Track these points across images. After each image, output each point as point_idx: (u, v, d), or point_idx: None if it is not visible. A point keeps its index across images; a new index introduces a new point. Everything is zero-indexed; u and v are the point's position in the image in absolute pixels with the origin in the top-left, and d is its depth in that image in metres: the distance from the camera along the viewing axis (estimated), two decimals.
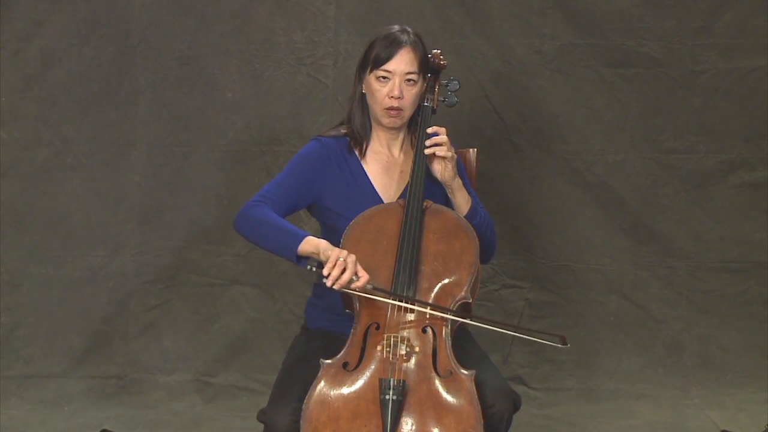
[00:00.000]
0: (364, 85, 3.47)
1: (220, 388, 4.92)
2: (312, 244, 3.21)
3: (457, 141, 3.56)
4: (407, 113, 3.44)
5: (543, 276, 4.96)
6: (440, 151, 3.38)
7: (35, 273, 4.91)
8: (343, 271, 3.14)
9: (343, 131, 3.52)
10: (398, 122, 3.44)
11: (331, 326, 3.46)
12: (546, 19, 4.86)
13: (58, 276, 4.91)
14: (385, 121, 3.44)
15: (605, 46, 4.87)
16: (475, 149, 3.78)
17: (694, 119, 4.89)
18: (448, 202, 3.46)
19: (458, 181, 3.43)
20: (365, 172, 3.48)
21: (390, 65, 3.39)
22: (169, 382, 4.93)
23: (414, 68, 3.41)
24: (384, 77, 3.40)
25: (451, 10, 4.85)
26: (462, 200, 3.44)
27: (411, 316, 3.21)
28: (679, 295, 4.95)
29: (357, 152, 3.50)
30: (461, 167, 3.56)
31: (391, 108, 3.40)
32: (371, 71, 3.42)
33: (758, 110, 4.87)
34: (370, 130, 3.52)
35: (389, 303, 3.20)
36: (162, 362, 4.94)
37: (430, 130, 3.40)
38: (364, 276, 3.16)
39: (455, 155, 3.43)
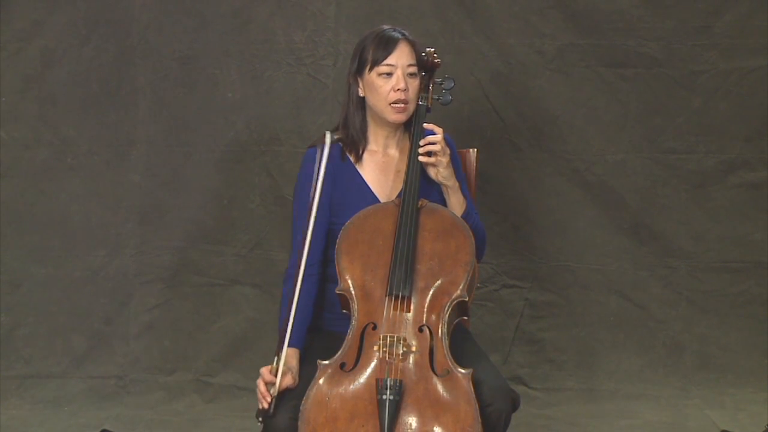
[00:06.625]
0: (361, 88, 3.47)
1: (220, 388, 4.93)
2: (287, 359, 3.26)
3: (457, 141, 3.56)
4: (412, 106, 3.45)
5: (543, 276, 4.95)
6: (431, 158, 3.38)
7: (35, 273, 4.91)
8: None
9: (336, 137, 3.52)
10: (404, 117, 3.44)
11: (331, 326, 3.46)
12: (546, 19, 4.86)
13: (58, 276, 4.92)
14: (392, 117, 3.44)
15: (605, 46, 4.86)
16: (475, 149, 3.78)
17: (694, 119, 4.89)
18: (444, 203, 3.45)
19: (455, 183, 3.43)
20: (361, 176, 3.48)
21: (392, 59, 3.41)
22: (169, 382, 4.93)
23: (413, 60, 3.43)
24: (387, 73, 3.41)
25: (451, 10, 4.85)
26: (456, 202, 3.44)
27: (408, 316, 3.21)
28: (679, 295, 4.94)
29: (351, 157, 3.50)
30: (459, 166, 3.56)
31: (398, 101, 3.41)
32: (371, 70, 3.42)
33: (758, 110, 4.86)
34: (368, 132, 3.52)
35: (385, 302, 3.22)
36: (162, 362, 4.95)
37: (428, 136, 3.41)
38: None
39: (447, 157, 3.41)
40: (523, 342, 4.95)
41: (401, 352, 3.14)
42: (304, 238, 3.28)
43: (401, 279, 3.21)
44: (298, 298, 3.26)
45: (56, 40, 4.86)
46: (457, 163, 3.52)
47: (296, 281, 3.25)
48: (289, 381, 3.22)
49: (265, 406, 3.18)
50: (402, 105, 3.42)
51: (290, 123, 4.90)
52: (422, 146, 3.39)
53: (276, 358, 3.21)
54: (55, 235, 4.92)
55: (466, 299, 3.24)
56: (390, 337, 3.16)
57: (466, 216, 3.42)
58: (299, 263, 3.27)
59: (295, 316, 3.23)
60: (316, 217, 3.36)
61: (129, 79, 4.89)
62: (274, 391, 3.18)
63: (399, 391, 3.08)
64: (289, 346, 3.24)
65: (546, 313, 4.97)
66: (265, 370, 3.20)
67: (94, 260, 4.93)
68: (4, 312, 4.90)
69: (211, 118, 4.91)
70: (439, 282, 3.24)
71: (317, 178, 3.29)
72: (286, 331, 3.25)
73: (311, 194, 3.31)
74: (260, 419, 3.19)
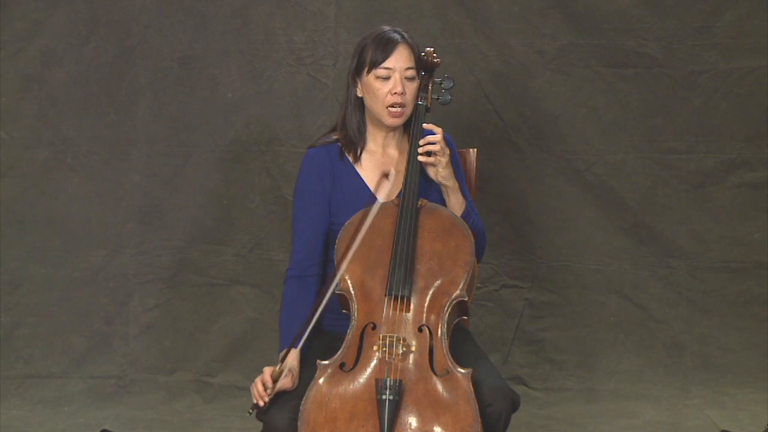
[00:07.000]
0: (359, 89, 3.46)
1: (220, 388, 4.92)
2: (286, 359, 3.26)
3: (457, 141, 3.56)
4: (409, 110, 3.43)
5: (543, 276, 4.95)
6: (431, 158, 3.38)
7: (35, 273, 4.91)
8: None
9: (335, 137, 3.52)
10: (401, 120, 3.44)
11: (331, 326, 3.46)
12: (546, 19, 4.86)
13: (58, 276, 4.92)
14: (389, 120, 3.43)
15: (605, 46, 4.87)
16: (475, 149, 3.78)
17: (694, 119, 4.89)
18: (444, 202, 3.44)
19: (455, 183, 3.43)
20: (359, 176, 3.48)
21: (389, 62, 3.39)
22: (169, 382, 4.93)
23: (412, 63, 3.41)
24: (385, 76, 3.41)
25: (451, 10, 4.85)
26: (456, 202, 3.43)
27: (408, 316, 3.20)
28: (679, 295, 4.94)
29: (350, 157, 3.49)
30: (459, 166, 3.55)
31: (394, 105, 3.40)
32: (369, 72, 3.41)
33: (758, 110, 4.87)
34: (366, 132, 3.52)
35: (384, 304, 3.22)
36: (162, 362, 4.95)
37: (427, 135, 3.40)
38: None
39: (446, 157, 3.40)
40: (523, 342, 4.95)
41: (401, 351, 3.14)
42: (344, 254, 3.28)
43: (401, 279, 3.21)
44: (301, 299, 3.27)
45: (56, 40, 4.86)
46: (456, 163, 3.52)
47: (315, 283, 3.28)
48: (287, 383, 3.22)
49: (261, 404, 3.18)
50: (399, 109, 3.41)
51: (290, 123, 4.90)
52: (422, 146, 3.38)
53: (281, 364, 3.21)
54: (55, 235, 4.92)
55: (466, 299, 3.24)
56: (390, 337, 3.15)
57: (465, 216, 3.41)
58: (336, 272, 3.26)
59: (306, 319, 3.23)
60: (317, 218, 3.38)
61: (129, 79, 4.89)
62: (271, 391, 3.18)
63: (399, 391, 3.08)
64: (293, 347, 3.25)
65: (546, 313, 4.97)
66: (267, 371, 3.20)
67: (94, 260, 4.93)
68: (4, 312, 4.90)
69: (211, 118, 4.91)
70: (438, 282, 3.23)
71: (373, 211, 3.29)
72: (287, 331, 3.26)
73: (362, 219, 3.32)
74: (251, 411, 3.19)
